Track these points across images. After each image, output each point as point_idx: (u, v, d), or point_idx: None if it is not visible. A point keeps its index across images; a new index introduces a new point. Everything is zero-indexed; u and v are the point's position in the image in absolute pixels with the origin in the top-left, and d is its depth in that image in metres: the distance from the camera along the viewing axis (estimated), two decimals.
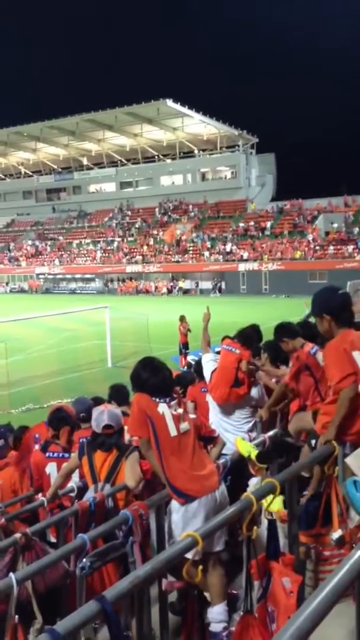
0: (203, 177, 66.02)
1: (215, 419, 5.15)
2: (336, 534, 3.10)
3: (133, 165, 69.97)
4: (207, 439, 3.85)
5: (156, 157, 69.71)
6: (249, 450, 3.91)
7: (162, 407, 3.41)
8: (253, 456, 3.79)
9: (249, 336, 5.22)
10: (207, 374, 5.41)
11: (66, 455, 5.04)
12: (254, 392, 5.10)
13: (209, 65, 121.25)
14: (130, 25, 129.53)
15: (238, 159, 62.42)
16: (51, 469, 5.05)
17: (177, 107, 58.46)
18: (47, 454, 5.13)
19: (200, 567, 2.47)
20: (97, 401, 6.09)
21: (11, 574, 2.50)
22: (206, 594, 3.41)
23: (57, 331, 27.02)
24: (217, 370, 5.20)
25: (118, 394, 6.20)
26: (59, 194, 74.32)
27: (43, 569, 2.81)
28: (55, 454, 5.11)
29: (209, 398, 5.53)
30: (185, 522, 3.25)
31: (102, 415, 4.14)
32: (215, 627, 3.30)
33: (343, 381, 3.46)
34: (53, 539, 4.48)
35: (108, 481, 4.01)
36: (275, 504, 3.42)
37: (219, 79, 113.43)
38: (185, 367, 15.76)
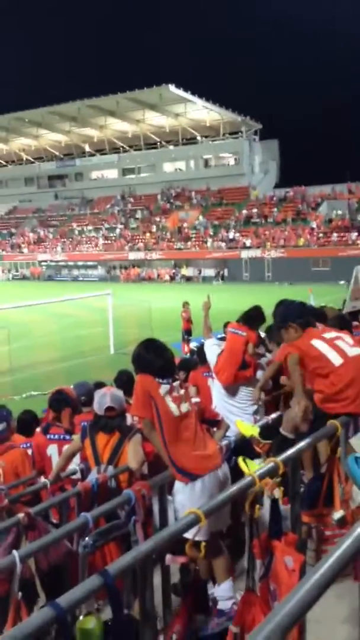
0: (206, 163, 65.68)
1: (220, 402, 5.17)
2: (338, 514, 3.11)
3: (135, 152, 69.60)
4: (211, 422, 3.87)
5: (158, 143, 69.34)
6: (251, 431, 3.93)
7: (165, 389, 3.41)
8: (256, 434, 3.81)
9: (254, 318, 5.25)
10: (212, 358, 5.42)
11: (67, 437, 5.05)
12: (260, 374, 5.12)
13: (212, 50, 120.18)
14: (133, 10, 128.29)
15: (241, 145, 62.06)
16: (52, 450, 5.07)
17: (180, 92, 58.05)
18: (48, 436, 5.14)
19: (203, 544, 2.48)
20: (99, 386, 6.09)
21: (14, 551, 2.52)
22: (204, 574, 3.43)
23: (59, 318, 27.04)
24: (223, 353, 5.22)
25: (127, 386, 6.22)
26: (61, 181, 74.09)
27: (46, 547, 2.83)
28: (57, 436, 5.12)
29: (212, 382, 5.54)
30: (191, 501, 3.26)
31: (104, 398, 4.15)
32: (223, 605, 3.31)
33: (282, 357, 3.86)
34: (55, 522, 4.50)
35: (111, 463, 4.02)
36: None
37: (222, 64, 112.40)
38: (189, 354, 15.79)
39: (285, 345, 3.91)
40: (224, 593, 3.39)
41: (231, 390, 5.15)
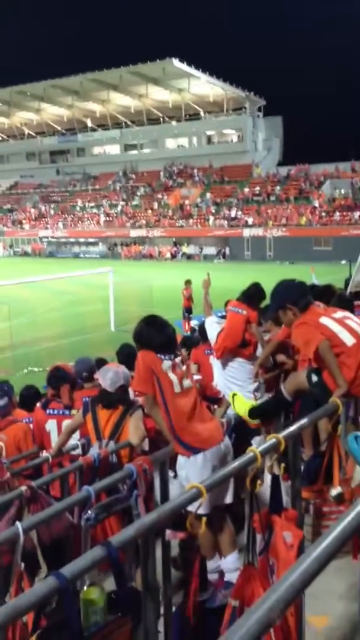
0: (209, 140, 65.00)
1: (221, 380, 5.17)
2: (335, 490, 3.14)
3: (138, 127, 68.79)
4: (213, 399, 3.89)
5: (161, 118, 68.49)
6: (242, 409, 3.91)
7: (167, 364, 3.43)
8: (244, 413, 3.82)
9: (253, 295, 5.25)
10: (212, 335, 5.42)
11: (67, 412, 5.07)
12: (260, 352, 5.13)
13: (216, 25, 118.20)
14: None
15: (245, 121, 61.33)
16: (51, 426, 5.09)
17: (184, 67, 57.20)
18: (47, 411, 5.16)
19: (204, 519, 2.50)
20: (100, 362, 6.10)
21: (17, 523, 2.55)
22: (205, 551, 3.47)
23: (60, 294, 27.03)
24: (224, 330, 5.22)
25: (129, 360, 6.22)
26: (63, 156, 73.37)
27: (48, 519, 2.86)
28: (56, 411, 5.14)
29: (213, 359, 5.56)
30: (194, 474, 3.29)
31: (117, 375, 4.16)
32: (230, 577, 3.36)
33: (313, 346, 3.56)
34: (53, 495, 4.54)
35: (112, 438, 4.05)
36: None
37: (227, 39, 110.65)
38: (189, 332, 15.80)
39: (297, 323, 3.73)
40: (231, 565, 3.44)
41: (231, 368, 5.17)
